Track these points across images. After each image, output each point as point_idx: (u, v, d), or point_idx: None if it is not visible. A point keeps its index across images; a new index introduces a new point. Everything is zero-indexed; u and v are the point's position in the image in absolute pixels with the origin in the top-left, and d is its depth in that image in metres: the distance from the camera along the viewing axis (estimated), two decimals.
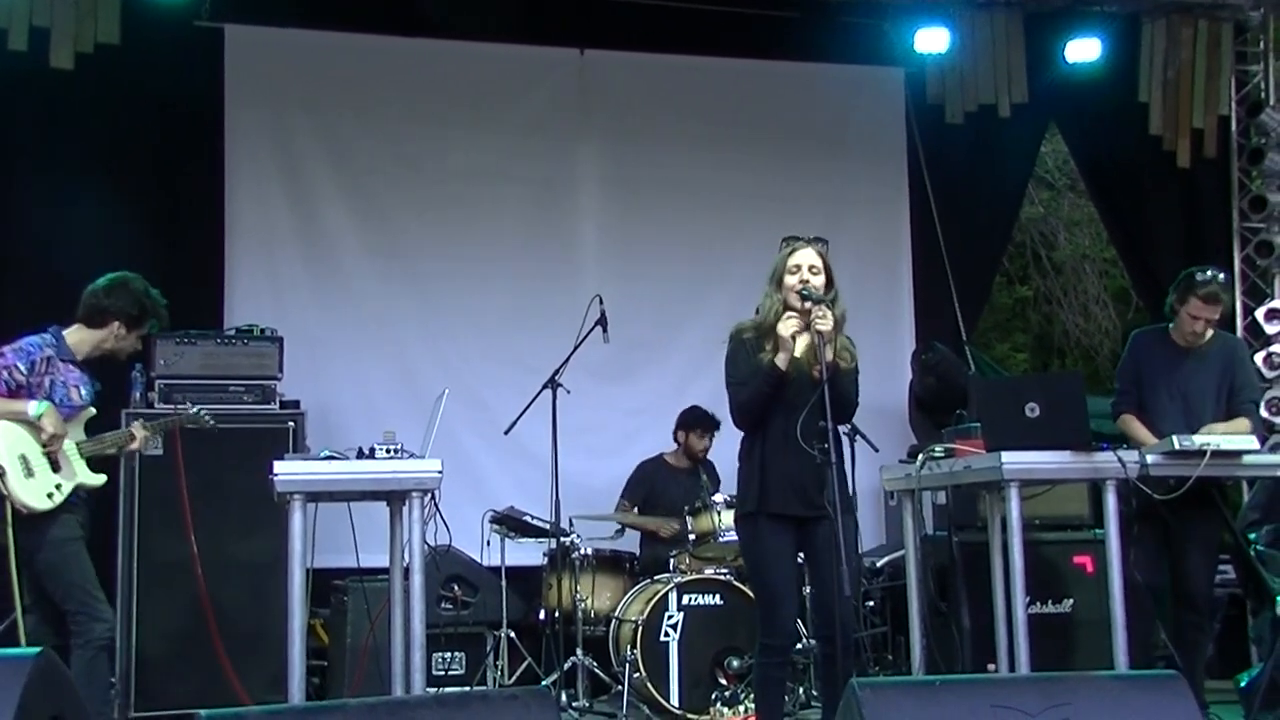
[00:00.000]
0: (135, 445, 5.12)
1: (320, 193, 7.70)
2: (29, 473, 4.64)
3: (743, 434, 4.65)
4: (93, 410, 5.00)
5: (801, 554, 4.63)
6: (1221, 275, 5.50)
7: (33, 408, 4.67)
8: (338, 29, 7.69)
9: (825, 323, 4.32)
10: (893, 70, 8.45)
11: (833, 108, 8.46)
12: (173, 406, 5.77)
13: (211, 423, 5.34)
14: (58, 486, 4.71)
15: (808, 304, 4.37)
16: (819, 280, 4.48)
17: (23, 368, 4.73)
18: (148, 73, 7.17)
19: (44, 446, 4.70)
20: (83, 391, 4.90)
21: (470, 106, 7.92)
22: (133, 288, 4.98)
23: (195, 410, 5.33)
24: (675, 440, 7.34)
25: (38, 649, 3.04)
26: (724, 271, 7.85)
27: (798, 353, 4.45)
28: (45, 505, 4.66)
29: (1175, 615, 5.50)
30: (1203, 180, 8.39)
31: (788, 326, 4.42)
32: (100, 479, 4.92)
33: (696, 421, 7.26)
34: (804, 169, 8.34)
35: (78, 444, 4.84)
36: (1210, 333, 5.56)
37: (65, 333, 4.91)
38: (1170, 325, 5.62)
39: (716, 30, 8.02)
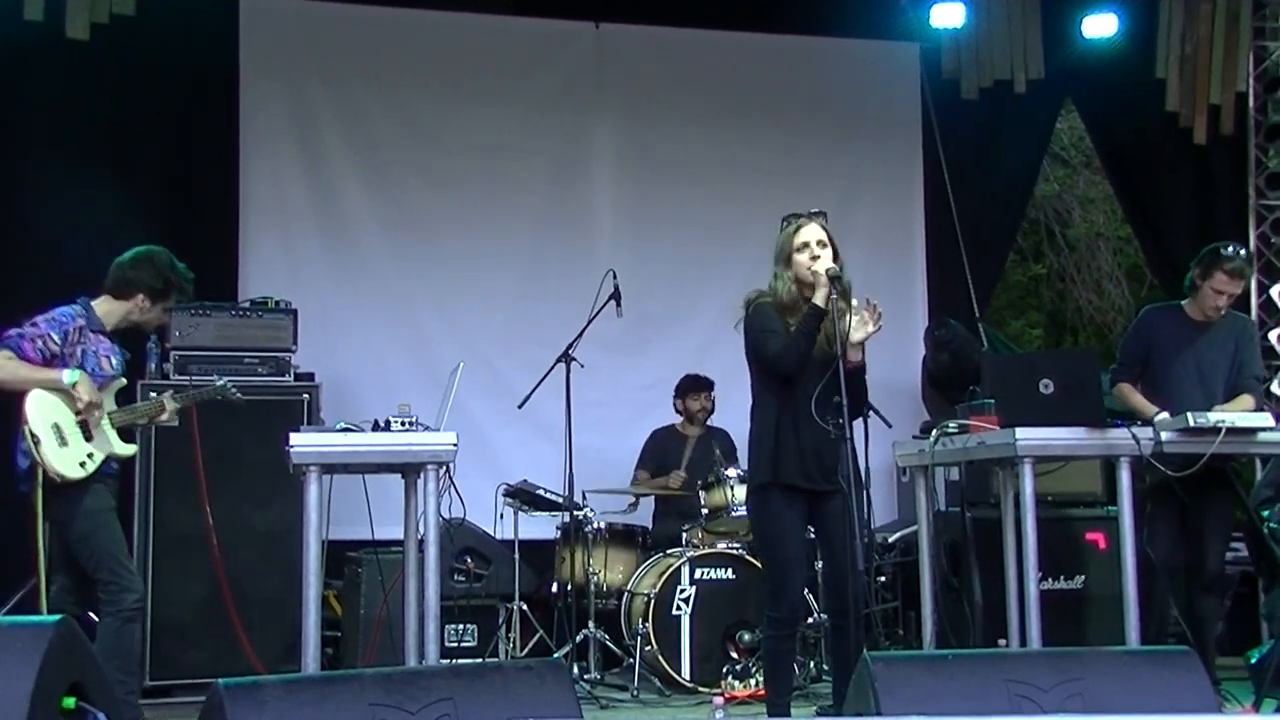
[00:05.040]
0: (165, 417, 5.09)
1: (335, 165, 7.70)
2: (62, 441, 4.64)
3: (754, 407, 4.65)
4: (123, 380, 5.00)
5: (812, 528, 4.65)
6: (1244, 251, 5.50)
7: (67, 376, 4.66)
8: (354, 1, 7.67)
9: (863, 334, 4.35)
10: (908, 45, 8.39)
11: (848, 83, 8.41)
12: (189, 379, 5.78)
13: (238, 396, 5.33)
14: (90, 455, 4.70)
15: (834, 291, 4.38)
16: (827, 254, 4.48)
17: (56, 337, 4.73)
18: (163, 44, 7.16)
19: (78, 415, 4.70)
20: (113, 361, 4.90)
21: (486, 80, 7.90)
22: (157, 261, 4.98)
23: (223, 383, 5.33)
24: (676, 411, 7.38)
25: (58, 617, 3.06)
26: (737, 246, 7.83)
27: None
28: (78, 474, 4.66)
29: (1188, 592, 5.51)
30: (1219, 157, 8.33)
31: (822, 265, 4.42)
32: (132, 449, 4.92)
33: (688, 386, 7.33)
34: (818, 144, 8.31)
35: (109, 414, 4.84)
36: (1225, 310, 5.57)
37: (94, 303, 4.91)
38: (1185, 301, 5.62)
39: (732, 4, 8.00)
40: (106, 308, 4.94)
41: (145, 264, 4.96)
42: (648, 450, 7.34)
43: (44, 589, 4.70)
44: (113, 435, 4.83)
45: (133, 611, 4.70)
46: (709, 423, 7.37)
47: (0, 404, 5.84)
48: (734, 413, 7.14)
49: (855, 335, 4.36)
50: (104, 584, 4.67)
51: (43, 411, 4.64)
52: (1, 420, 6.33)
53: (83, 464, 4.69)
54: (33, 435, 4.59)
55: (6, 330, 4.78)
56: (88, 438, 4.73)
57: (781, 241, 4.58)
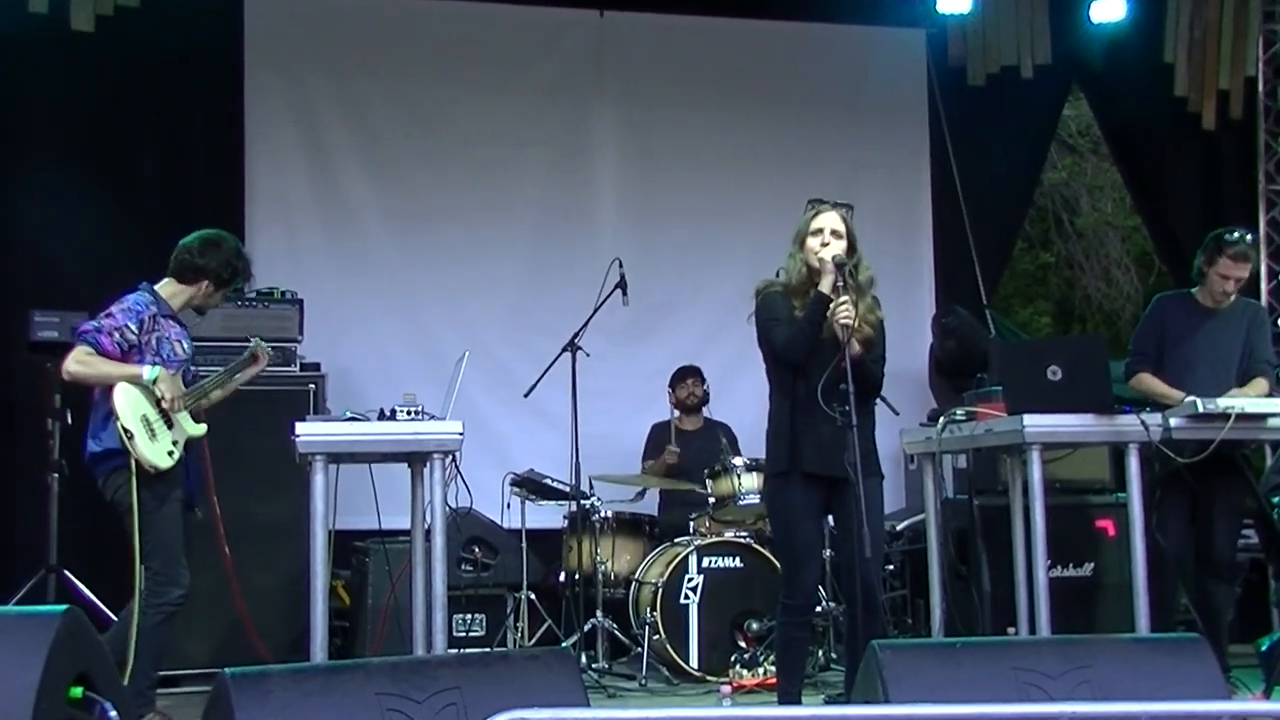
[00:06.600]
0: (262, 363, 5.11)
1: (339, 155, 7.69)
2: (152, 434, 4.65)
3: (771, 395, 4.63)
4: (191, 365, 5.00)
5: (831, 516, 4.63)
6: (1249, 235, 5.51)
7: (147, 372, 4.65)
8: None
9: (848, 315, 4.31)
10: (914, 31, 8.36)
11: (853, 69, 8.39)
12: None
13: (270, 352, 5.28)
14: (174, 443, 4.72)
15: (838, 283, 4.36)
16: (840, 245, 4.47)
17: (133, 326, 4.71)
18: (167, 35, 7.14)
19: (158, 407, 4.69)
20: (185, 345, 4.90)
21: (488, 69, 7.88)
22: (225, 249, 4.93)
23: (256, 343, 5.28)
24: (670, 404, 7.38)
25: (64, 606, 3.06)
26: (742, 234, 7.83)
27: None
28: (169, 463, 4.67)
29: (1198, 579, 5.50)
30: (1228, 143, 8.30)
31: (829, 252, 4.41)
32: (202, 429, 4.90)
33: (676, 376, 7.33)
34: (824, 131, 8.28)
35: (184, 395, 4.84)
36: (1234, 295, 5.56)
37: (157, 287, 4.88)
38: (1195, 289, 5.61)
39: None
40: (171, 290, 4.91)
41: (214, 251, 4.91)
42: (650, 446, 7.34)
43: (139, 579, 4.65)
44: (185, 418, 4.82)
45: (175, 607, 4.70)
46: (710, 415, 7.36)
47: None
48: (736, 402, 7.19)
49: (844, 320, 4.31)
50: (153, 574, 4.66)
51: (131, 405, 4.63)
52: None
53: (170, 453, 4.70)
54: (125, 430, 4.57)
55: (83, 324, 4.75)
56: (169, 425, 4.73)
57: (800, 224, 4.59)
